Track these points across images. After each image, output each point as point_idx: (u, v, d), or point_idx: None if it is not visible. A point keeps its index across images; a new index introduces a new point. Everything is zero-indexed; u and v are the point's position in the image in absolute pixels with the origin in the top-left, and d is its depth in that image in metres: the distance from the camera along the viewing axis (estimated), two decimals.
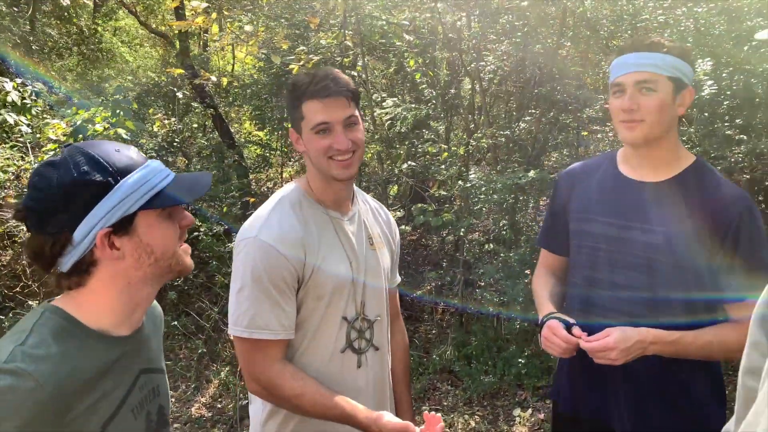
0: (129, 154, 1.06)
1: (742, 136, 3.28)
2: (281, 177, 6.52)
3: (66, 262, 1.03)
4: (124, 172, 1.03)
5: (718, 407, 1.56)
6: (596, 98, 4.23)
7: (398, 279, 1.76)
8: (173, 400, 4.05)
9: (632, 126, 1.50)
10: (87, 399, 0.99)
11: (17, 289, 4.38)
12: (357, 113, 1.49)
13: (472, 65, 4.83)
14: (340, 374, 1.50)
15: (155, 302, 1.29)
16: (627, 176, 1.61)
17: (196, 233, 4.69)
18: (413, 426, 1.34)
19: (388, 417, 1.36)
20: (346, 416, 1.38)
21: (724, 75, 3.29)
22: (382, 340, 1.61)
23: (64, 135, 4.55)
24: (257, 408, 1.57)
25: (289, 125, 1.56)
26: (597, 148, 4.44)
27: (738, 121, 3.35)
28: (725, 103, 3.39)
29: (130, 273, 1.06)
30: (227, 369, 4.13)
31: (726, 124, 3.40)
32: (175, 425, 3.78)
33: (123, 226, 1.03)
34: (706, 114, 3.50)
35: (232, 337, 1.49)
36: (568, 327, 1.54)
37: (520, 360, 3.77)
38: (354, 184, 1.64)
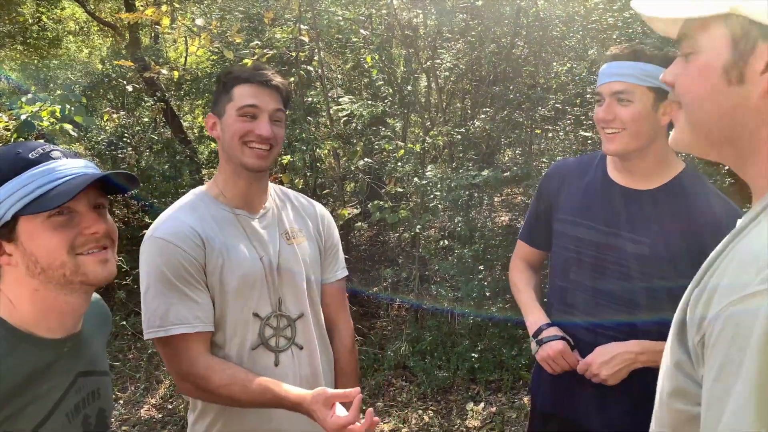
0: (27, 156, 0.99)
1: None
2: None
3: None
4: (7, 175, 0.97)
5: None
6: (548, 98, 4.31)
7: (340, 274, 1.71)
8: (122, 402, 3.94)
9: (612, 137, 1.49)
10: (16, 402, 0.95)
11: None
12: (285, 114, 1.51)
13: (428, 62, 4.85)
14: (254, 372, 1.47)
15: (102, 303, 1.25)
16: (616, 182, 1.59)
17: (145, 231, 4.56)
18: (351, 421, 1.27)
19: (317, 405, 1.30)
20: (279, 399, 1.35)
21: None
22: (308, 338, 1.57)
23: (6, 129, 4.35)
24: (190, 411, 1.56)
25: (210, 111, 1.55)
26: (548, 146, 4.53)
27: None
28: None
29: (28, 280, 1.01)
30: None
31: None
32: (124, 428, 3.68)
33: (6, 232, 0.98)
34: None
35: (153, 343, 1.44)
36: (570, 345, 1.58)
37: (473, 354, 3.82)
38: (269, 183, 1.62)
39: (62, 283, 1.02)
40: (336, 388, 1.64)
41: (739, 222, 0.76)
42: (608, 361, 1.49)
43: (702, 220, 1.45)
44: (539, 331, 1.63)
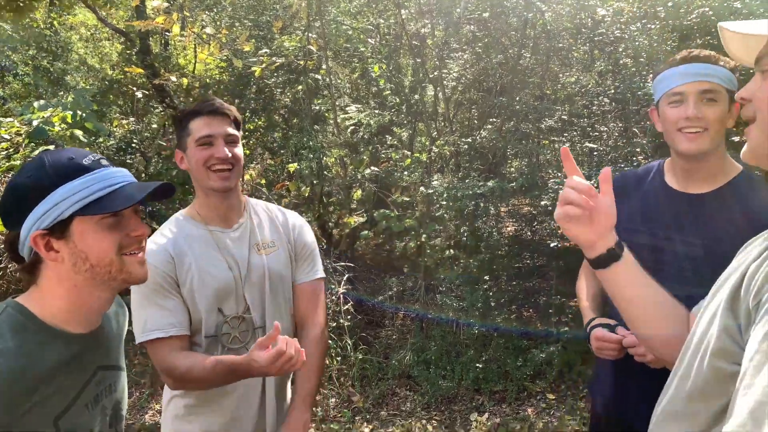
0: (80, 161, 1.08)
1: None
2: (243, 179, 6.43)
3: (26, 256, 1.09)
4: (65, 177, 1.06)
5: None
6: (555, 109, 4.32)
7: (314, 275, 1.81)
8: (126, 407, 3.96)
9: (694, 136, 1.49)
10: (41, 392, 1.03)
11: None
12: (239, 135, 1.68)
13: (435, 72, 4.88)
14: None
15: (121, 301, 1.35)
16: (672, 188, 1.62)
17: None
18: (283, 346, 1.40)
19: (255, 353, 1.43)
20: (231, 368, 1.49)
21: None
22: None
23: (18, 134, 4.40)
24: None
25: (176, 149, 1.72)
26: (554, 157, 4.54)
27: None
28: None
29: (71, 276, 1.10)
30: None
31: None
32: None
33: (59, 230, 1.07)
34: None
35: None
36: (612, 329, 1.58)
37: (477, 365, 3.82)
38: (248, 199, 1.80)
39: (105, 280, 1.12)
40: (296, 377, 1.74)
41: None
42: None
43: (757, 223, 1.43)
44: (589, 323, 1.67)
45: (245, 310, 1.67)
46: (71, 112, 4.67)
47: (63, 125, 4.58)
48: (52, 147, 4.40)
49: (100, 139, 5.63)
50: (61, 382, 1.07)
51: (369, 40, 5.13)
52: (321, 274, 1.83)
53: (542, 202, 3.97)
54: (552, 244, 3.96)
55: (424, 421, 3.60)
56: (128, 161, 5.44)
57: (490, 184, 3.82)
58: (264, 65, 4.57)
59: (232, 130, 1.65)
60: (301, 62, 4.93)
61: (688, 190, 1.59)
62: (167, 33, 5.59)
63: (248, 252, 1.69)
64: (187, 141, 1.65)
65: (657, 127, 1.65)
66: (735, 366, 0.76)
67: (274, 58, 4.64)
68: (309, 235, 1.84)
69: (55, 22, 8.50)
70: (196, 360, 1.55)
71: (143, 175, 5.40)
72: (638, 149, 3.70)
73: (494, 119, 4.94)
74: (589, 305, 1.73)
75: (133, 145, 5.58)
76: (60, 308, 1.10)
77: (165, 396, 1.79)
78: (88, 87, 6.96)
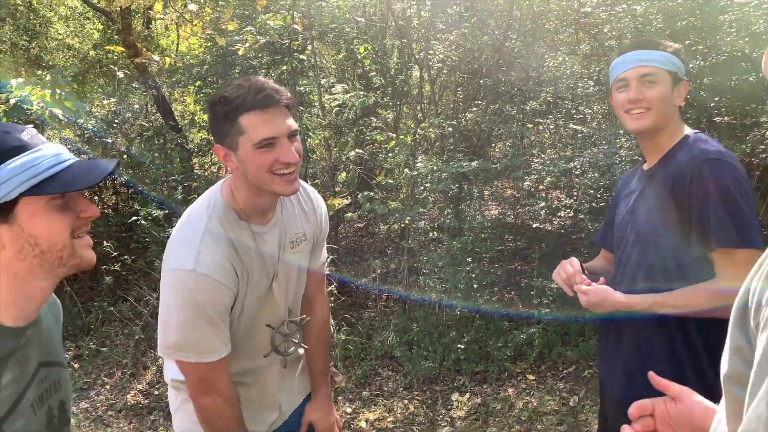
0: (19, 136, 0.98)
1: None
2: None
3: None
4: (5, 154, 0.95)
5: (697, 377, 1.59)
6: (539, 90, 4.32)
7: (323, 258, 1.75)
8: (108, 387, 3.94)
9: (638, 116, 1.63)
10: None
11: None
12: (296, 125, 1.42)
13: (421, 54, 4.85)
14: (262, 374, 1.60)
15: (54, 295, 1.22)
16: (643, 168, 1.75)
17: (135, 218, 4.55)
18: None
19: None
20: None
21: None
22: (308, 337, 1.72)
23: None
24: (171, 396, 1.64)
25: (215, 142, 1.44)
26: (539, 139, 4.55)
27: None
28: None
29: (13, 264, 0.99)
30: None
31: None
32: (110, 413, 3.69)
33: (1, 213, 0.96)
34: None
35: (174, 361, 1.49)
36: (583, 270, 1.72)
37: (459, 346, 3.85)
38: None
39: (54, 266, 1.02)
40: (308, 357, 1.76)
41: None
42: (599, 303, 1.63)
43: (681, 164, 1.56)
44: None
45: (288, 313, 1.60)
46: (50, 91, 4.59)
47: (41, 104, 4.50)
48: (30, 126, 4.32)
49: (81, 120, 5.54)
50: (2, 380, 0.96)
51: (356, 18, 5.07)
52: (326, 253, 1.79)
53: (525, 184, 3.98)
54: (534, 226, 3.98)
55: (405, 401, 3.62)
56: (109, 141, 5.36)
57: (474, 164, 3.82)
58: (248, 44, 4.50)
59: (292, 123, 1.38)
60: (286, 42, 4.87)
61: (649, 166, 1.72)
62: (150, 11, 5.49)
63: (281, 251, 1.54)
64: (238, 140, 1.35)
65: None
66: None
67: (258, 37, 4.58)
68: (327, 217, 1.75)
69: (34, 1, 8.32)
70: (237, 415, 1.48)
71: (125, 156, 5.32)
72: (621, 131, 3.71)
73: (479, 101, 4.92)
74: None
75: (114, 125, 5.49)
76: None
77: (172, 399, 1.66)
78: (68, 67, 6.83)
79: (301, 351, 1.68)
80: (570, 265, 1.73)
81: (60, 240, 1.00)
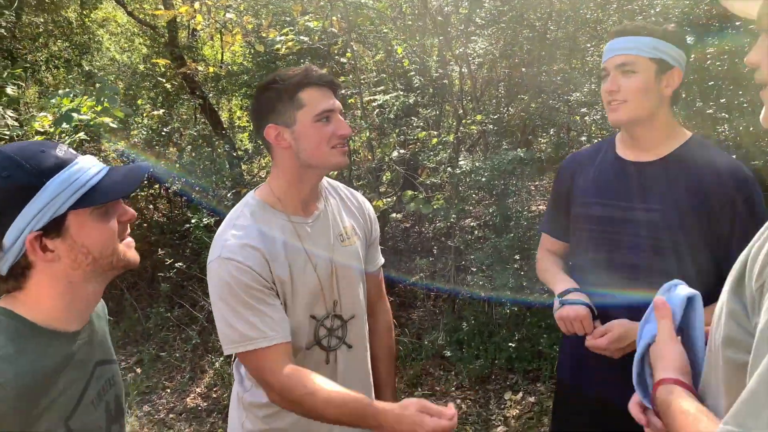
0: (55, 153, 1.03)
1: (724, 114, 3.30)
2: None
3: (2, 267, 1.02)
4: (49, 172, 1.00)
5: None
6: (583, 82, 4.22)
7: (380, 261, 1.75)
8: (168, 391, 4.09)
9: (616, 107, 1.55)
10: (49, 395, 1.01)
11: None
12: None
13: (460, 50, 4.81)
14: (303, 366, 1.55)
15: None
16: (624, 158, 1.65)
17: (188, 225, 4.70)
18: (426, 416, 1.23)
19: (410, 410, 1.24)
20: (361, 410, 1.29)
21: (708, 55, 3.30)
22: (357, 338, 1.62)
23: (51, 126, 4.52)
24: (233, 403, 1.64)
25: (267, 123, 1.47)
26: (585, 131, 4.44)
27: (722, 101, 3.37)
28: (710, 83, 3.41)
29: (68, 273, 1.06)
30: (222, 359, 4.16)
31: (711, 104, 3.41)
32: (171, 416, 3.82)
33: (54, 228, 1.02)
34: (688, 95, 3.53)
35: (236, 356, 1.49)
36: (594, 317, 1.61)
37: (510, 344, 3.81)
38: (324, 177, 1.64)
39: (106, 270, 1.09)
40: (372, 370, 1.70)
41: None
42: (623, 348, 1.54)
43: (708, 182, 1.49)
44: (566, 292, 1.66)
45: (333, 306, 1.55)
46: (98, 100, 4.73)
47: (92, 114, 4.65)
48: (82, 134, 4.49)
49: (134, 131, 5.75)
50: (65, 382, 1.05)
51: (394, 18, 5.07)
52: (382, 258, 1.77)
53: None
54: None
55: (458, 401, 3.61)
56: (160, 150, 5.55)
57: (519, 152, 3.77)
58: (289, 44, 4.54)
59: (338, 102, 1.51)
60: (325, 45, 4.92)
61: (639, 158, 1.62)
62: (192, 22, 5.65)
63: (332, 244, 1.55)
64: (296, 115, 1.43)
65: None
66: (747, 355, 0.71)
67: (301, 37, 4.62)
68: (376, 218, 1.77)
69: (86, 20, 8.67)
70: (321, 386, 1.34)
71: (176, 164, 5.50)
72: None
73: (522, 96, 4.85)
74: (560, 275, 1.75)
75: (163, 134, 5.67)
76: (54, 308, 1.06)
77: (240, 395, 1.61)
78: (119, 83, 7.10)
79: (348, 350, 1.60)
80: (584, 322, 1.58)
81: (110, 246, 1.08)
